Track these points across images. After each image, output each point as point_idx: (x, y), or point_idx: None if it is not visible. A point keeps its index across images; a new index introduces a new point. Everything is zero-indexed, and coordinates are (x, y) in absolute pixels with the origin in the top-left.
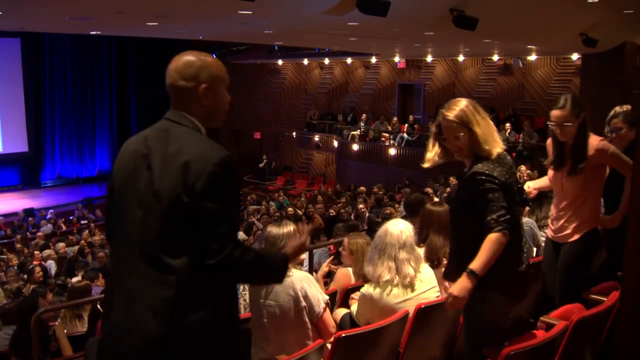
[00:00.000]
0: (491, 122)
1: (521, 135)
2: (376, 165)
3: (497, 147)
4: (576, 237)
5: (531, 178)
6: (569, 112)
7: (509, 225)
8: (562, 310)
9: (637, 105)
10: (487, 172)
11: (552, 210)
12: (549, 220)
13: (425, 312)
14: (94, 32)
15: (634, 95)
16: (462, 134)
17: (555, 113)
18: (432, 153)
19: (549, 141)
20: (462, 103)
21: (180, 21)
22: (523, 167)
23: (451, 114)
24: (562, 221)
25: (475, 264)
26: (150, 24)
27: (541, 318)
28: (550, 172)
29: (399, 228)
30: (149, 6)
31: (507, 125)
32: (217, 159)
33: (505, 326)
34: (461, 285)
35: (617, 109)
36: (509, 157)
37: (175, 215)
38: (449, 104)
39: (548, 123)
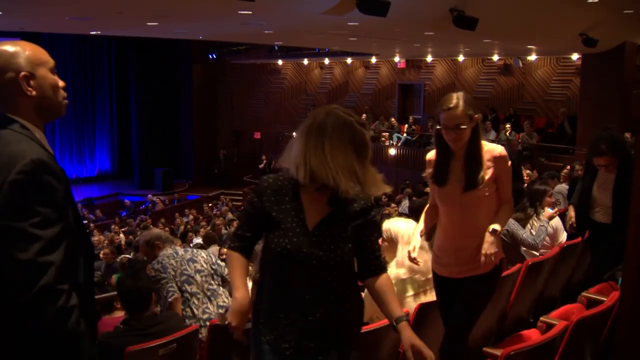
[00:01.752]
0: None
1: (521, 135)
2: (376, 166)
3: None
4: (489, 267)
5: (531, 178)
6: (463, 112)
7: None
8: (562, 310)
9: (637, 105)
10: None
11: (448, 240)
12: (434, 254)
13: (426, 312)
14: (94, 32)
15: (634, 95)
16: None
17: (447, 115)
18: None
19: (432, 154)
20: None
21: (180, 21)
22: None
23: None
24: (468, 250)
25: (401, 310)
26: (150, 24)
27: (541, 318)
28: (438, 193)
29: (406, 227)
30: (149, 6)
31: (507, 125)
32: (21, 165)
33: None
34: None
35: (597, 148)
36: None
37: None
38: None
39: (437, 128)
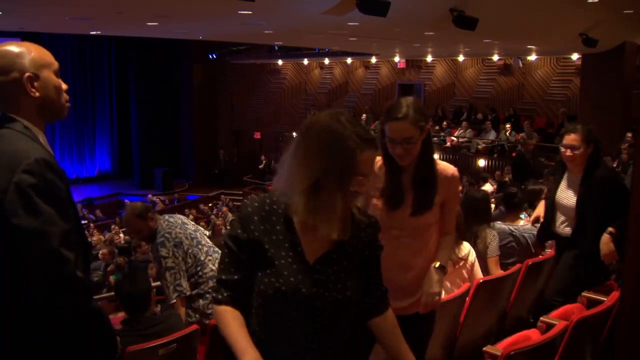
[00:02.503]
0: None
1: (521, 135)
2: None
3: None
4: (428, 309)
5: None
6: (413, 123)
7: None
8: (562, 310)
9: (637, 105)
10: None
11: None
12: None
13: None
14: (94, 32)
15: (634, 95)
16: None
17: (394, 126)
18: None
19: (378, 161)
20: None
21: (180, 21)
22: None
23: None
24: (398, 285)
25: (413, 357)
26: (150, 24)
27: (541, 318)
28: (381, 215)
29: None
30: (149, 6)
31: (507, 125)
32: (25, 164)
33: None
34: None
35: (571, 126)
36: None
37: None
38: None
39: (385, 140)
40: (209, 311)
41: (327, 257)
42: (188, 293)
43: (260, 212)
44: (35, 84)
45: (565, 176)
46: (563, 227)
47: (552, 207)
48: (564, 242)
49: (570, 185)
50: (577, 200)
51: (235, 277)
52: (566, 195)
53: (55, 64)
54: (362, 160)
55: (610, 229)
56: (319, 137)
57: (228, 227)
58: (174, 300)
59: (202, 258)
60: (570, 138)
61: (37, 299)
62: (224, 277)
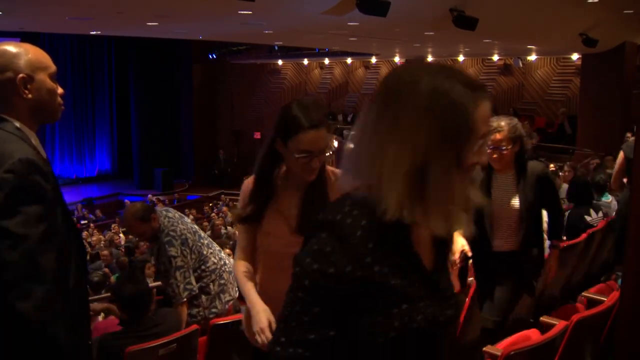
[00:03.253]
0: None
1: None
2: None
3: None
4: None
5: None
6: (328, 130)
7: None
8: (562, 310)
9: (637, 105)
10: None
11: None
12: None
13: None
14: (94, 32)
15: (634, 95)
16: None
17: (311, 136)
18: None
19: (248, 183)
20: None
21: (180, 21)
22: None
23: None
24: None
25: None
26: (150, 24)
27: (541, 318)
28: (261, 234)
29: None
30: (149, 6)
31: None
32: (8, 164)
33: None
34: None
35: (496, 123)
36: None
37: None
38: None
39: (297, 156)
40: (213, 309)
41: (438, 261)
42: (197, 291)
43: (373, 232)
44: (29, 85)
45: (493, 179)
46: (501, 242)
47: (489, 219)
48: (500, 259)
49: (504, 188)
50: (521, 201)
51: (331, 333)
52: (506, 200)
53: (53, 68)
54: (479, 116)
55: (554, 242)
56: (414, 97)
57: (312, 260)
58: (185, 299)
59: (205, 252)
60: (495, 139)
61: (16, 300)
62: (312, 336)
